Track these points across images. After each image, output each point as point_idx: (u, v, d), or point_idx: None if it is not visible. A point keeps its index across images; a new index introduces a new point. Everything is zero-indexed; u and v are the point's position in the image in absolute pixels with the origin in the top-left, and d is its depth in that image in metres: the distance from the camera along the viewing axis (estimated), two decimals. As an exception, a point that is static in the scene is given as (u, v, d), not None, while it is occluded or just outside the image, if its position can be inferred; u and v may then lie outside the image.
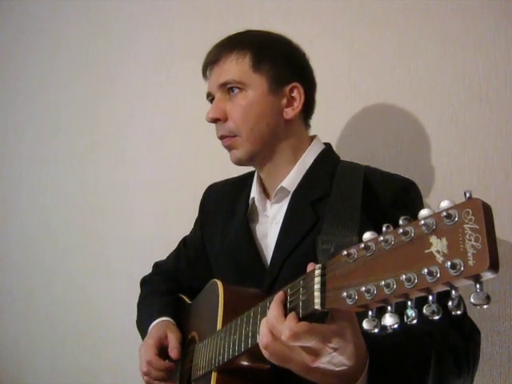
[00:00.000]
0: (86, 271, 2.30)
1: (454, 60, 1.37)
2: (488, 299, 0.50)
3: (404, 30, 1.46)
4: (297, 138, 1.17)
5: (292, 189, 1.14)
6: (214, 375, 1.00)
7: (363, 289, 0.59)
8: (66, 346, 2.36)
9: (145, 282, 1.48)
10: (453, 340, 0.93)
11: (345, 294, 0.61)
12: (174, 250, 1.47)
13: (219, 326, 1.03)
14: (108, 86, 2.26)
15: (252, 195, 1.21)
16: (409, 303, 0.56)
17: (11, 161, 2.67)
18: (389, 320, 0.58)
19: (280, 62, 1.14)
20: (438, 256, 0.52)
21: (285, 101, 1.14)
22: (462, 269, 0.49)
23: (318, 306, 0.67)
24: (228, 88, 1.13)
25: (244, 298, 1.05)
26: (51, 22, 2.52)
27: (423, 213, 0.54)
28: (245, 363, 0.97)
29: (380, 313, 0.59)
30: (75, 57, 2.41)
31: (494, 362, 1.29)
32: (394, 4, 1.47)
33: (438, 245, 0.52)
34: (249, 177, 1.28)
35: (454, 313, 0.52)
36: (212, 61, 1.16)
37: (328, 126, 1.44)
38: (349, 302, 0.61)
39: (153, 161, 2.09)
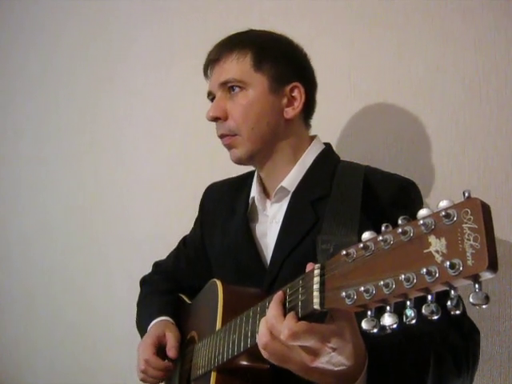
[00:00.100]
0: (85, 271, 2.30)
1: (454, 60, 1.37)
2: (487, 299, 0.50)
3: (404, 30, 1.45)
4: (297, 137, 1.17)
5: (292, 188, 1.14)
6: (213, 375, 1.00)
7: (362, 289, 0.58)
8: (66, 346, 2.36)
9: (144, 282, 1.48)
10: (452, 340, 0.92)
11: (344, 293, 0.61)
12: (174, 250, 1.47)
13: (219, 325, 1.03)
14: (108, 85, 2.26)
15: (252, 195, 1.21)
16: (408, 303, 0.56)
17: (11, 161, 2.67)
18: (388, 320, 0.58)
19: (281, 61, 1.14)
20: (436, 256, 0.52)
21: (285, 100, 1.14)
22: (461, 269, 0.49)
23: (317, 306, 0.67)
24: (229, 87, 1.13)
25: (243, 298, 1.05)
26: (50, 21, 2.52)
27: (422, 212, 0.54)
28: (244, 363, 0.97)
29: (379, 313, 0.59)
30: (75, 56, 2.41)
31: (494, 362, 1.29)
32: (394, 4, 1.47)
33: (436, 244, 0.52)
34: (249, 176, 1.28)
35: (452, 312, 0.52)
36: (213, 60, 1.16)
37: (328, 125, 1.44)
38: (348, 301, 0.61)
39: (152, 160, 2.09)
